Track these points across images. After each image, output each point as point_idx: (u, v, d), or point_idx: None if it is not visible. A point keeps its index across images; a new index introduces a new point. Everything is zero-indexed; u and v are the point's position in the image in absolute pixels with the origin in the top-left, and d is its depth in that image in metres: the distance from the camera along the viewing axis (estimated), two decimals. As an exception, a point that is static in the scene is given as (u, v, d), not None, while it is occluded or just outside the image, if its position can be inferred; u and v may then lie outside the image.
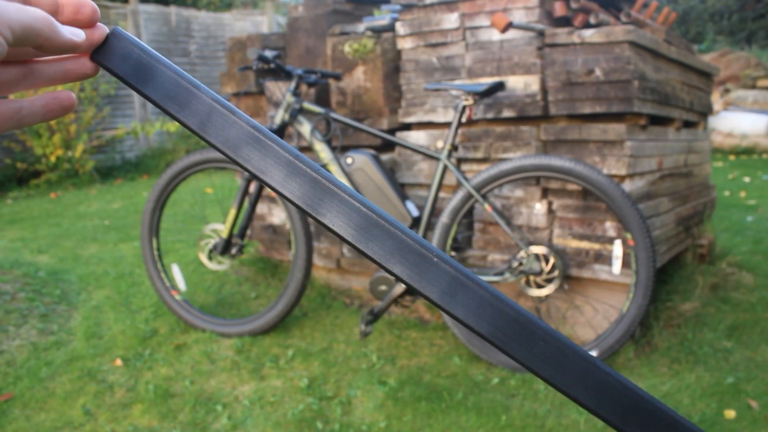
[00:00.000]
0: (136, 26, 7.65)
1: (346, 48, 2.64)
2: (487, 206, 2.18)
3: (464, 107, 2.18)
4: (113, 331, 2.50)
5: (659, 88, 2.34)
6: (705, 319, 2.45)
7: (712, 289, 2.70)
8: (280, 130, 2.38)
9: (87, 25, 0.36)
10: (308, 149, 2.76)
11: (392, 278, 2.26)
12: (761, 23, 12.11)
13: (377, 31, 2.65)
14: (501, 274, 2.18)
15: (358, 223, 0.34)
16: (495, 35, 2.36)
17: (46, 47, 0.33)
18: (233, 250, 2.47)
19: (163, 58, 0.36)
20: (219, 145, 0.35)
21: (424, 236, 2.27)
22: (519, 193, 2.34)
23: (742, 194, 5.02)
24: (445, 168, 2.21)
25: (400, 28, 2.56)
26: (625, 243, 2.15)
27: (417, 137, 2.55)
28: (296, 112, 2.36)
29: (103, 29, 0.36)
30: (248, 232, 2.97)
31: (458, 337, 2.25)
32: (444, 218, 2.24)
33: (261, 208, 3.01)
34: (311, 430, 1.85)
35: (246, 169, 0.35)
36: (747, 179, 5.71)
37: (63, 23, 0.35)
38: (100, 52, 0.36)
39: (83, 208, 5.12)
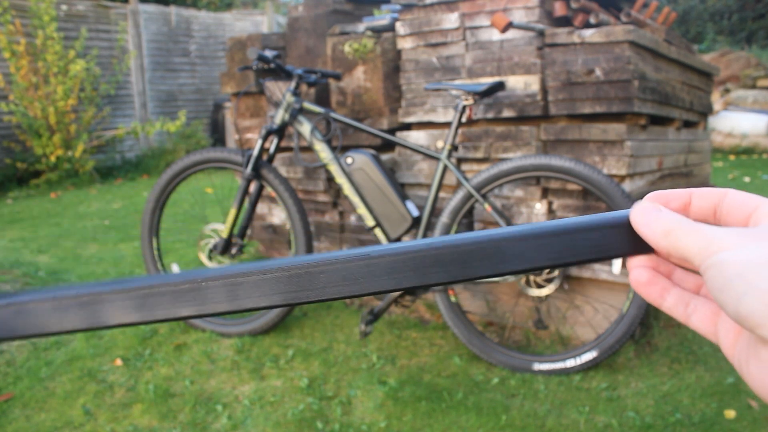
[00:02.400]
0: (136, 26, 7.65)
1: (346, 48, 2.64)
2: (487, 206, 2.18)
3: (464, 107, 2.18)
4: (113, 331, 2.50)
5: (659, 88, 2.34)
6: (705, 319, 2.45)
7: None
8: (280, 130, 2.38)
9: None
10: (308, 149, 2.76)
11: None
12: (761, 23, 12.11)
13: (377, 31, 2.65)
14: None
15: (228, 292, 0.35)
16: (495, 35, 2.36)
17: None
18: (233, 250, 2.47)
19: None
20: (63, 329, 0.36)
21: (424, 236, 2.27)
22: (519, 193, 2.34)
23: (742, 194, 5.02)
24: (445, 168, 2.21)
25: (400, 28, 2.56)
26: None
27: (417, 137, 2.55)
28: (296, 112, 2.36)
29: None
30: (248, 231, 2.97)
31: (458, 337, 2.25)
32: (444, 218, 2.24)
33: (261, 207, 3.01)
34: (311, 430, 1.85)
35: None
36: (747, 179, 5.71)
37: None
38: None
39: (83, 208, 5.12)
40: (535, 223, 0.35)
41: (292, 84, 2.35)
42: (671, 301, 0.37)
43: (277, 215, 2.97)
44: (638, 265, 0.37)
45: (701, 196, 0.35)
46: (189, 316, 0.35)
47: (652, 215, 0.34)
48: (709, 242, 0.31)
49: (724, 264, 0.29)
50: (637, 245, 0.35)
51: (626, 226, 0.35)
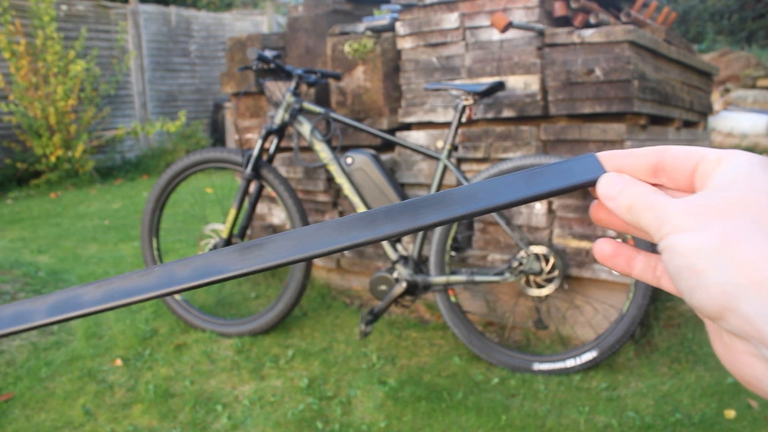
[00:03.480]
0: (136, 26, 7.65)
1: (346, 48, 2.64)
2: (487, 206, 2.17)
3: (464, 107, 2.18)
4: (113, 331, 2.50)
5: (659, 88, 2.34)
6: (705, 318, 2.45)
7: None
8: (280, 130, 2.38)
9: None
10: (308, 149, 2.76)
11: (392, 278, 2.26)
12: (761, 23, 12.11)
13: (377, 31, 2.65)
14: (501, 273, 2.18)
15: (234, 257, 0.35)
16: (495, 35, 2.36)
17: None
18: (233, 250, 2.46)
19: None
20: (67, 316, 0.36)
21: (424, 236, 2.27)
22: (519, 193, 2.34)
23: (742, 194, 5.02)
24: (445, 168, 2.21)
25: (400, 28, 2.56)
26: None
27: (417, 137, 2.55)
28: (296, 112, 2.36)
29: None
30: (248, 231, 2.97)
31: (458, 337, 2.25)
32: (444, 218, 2.24)
33: (261, 207, 3.01)
34: (311, 430, 1.85)
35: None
36: (747, 179, 5.71)
37: None
38: None
39: (83, 208, 5.12)
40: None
41: (292, 84, 2.35)
42: (639, 268, 0.36)
43: (277, 215, 2.97)
44: (601, 238, 0.37)
45: (674, 156, 0.33)
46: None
47: (616, 187, 0.33)
48: (661, 222, 0.30)
49: (674, 250, 0.29)
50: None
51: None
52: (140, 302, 0.36)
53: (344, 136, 2.65)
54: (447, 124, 2.49)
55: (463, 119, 2.19)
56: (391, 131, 2.63)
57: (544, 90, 2.28)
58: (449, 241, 2.25)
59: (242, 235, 2.46)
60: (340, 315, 2.64)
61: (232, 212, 2.42)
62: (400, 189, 2.34)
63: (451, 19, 2.42)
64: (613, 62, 2.12)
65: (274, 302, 2.43)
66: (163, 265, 0.35)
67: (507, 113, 2.34)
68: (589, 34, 2.15)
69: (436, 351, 2.32)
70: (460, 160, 2.48)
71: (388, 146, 2.66)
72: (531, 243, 2.21)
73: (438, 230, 2.24)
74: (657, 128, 2.46)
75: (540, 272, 2.16)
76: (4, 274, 2.98)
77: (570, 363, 2.11)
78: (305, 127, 2.35)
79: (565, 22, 2.45)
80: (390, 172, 2.48)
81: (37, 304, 0.35)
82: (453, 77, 2.46)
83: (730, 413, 1.86)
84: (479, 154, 2.40)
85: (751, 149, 7.25)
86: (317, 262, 2.86)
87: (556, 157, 2.09)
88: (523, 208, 2.35)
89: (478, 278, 2.18)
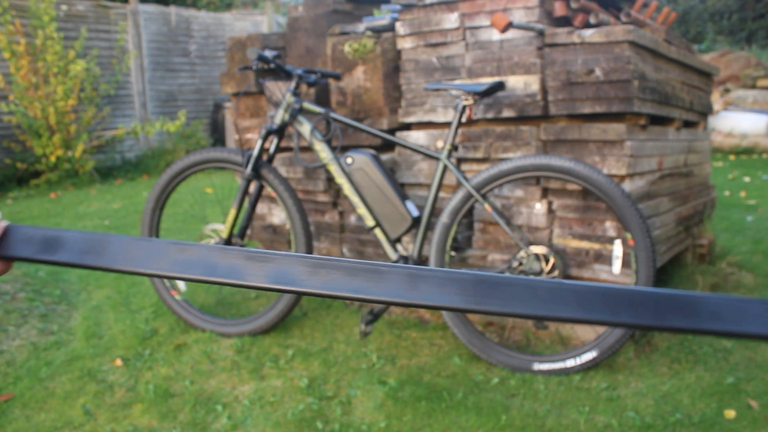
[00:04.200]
0: (136, 26, 7.65)
1: (346, 48, 2.64)
2: (487, 206, 2.18)
3: (464, 107, 2.18)
4: (113, 331, 2.50)
5: (659, 88, 2.34)
6: (705, 319, 2.45)
7: (712, 289, 2.70)
8: (280, 130, 2.38)
9: None
10: (308, 149, 2.76)
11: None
12: (761, 23, 12.10)
13: (377, 31, 2.65)
14: (501, 273, 2.18)
15: (305, 272, 0.36)
16: (495, 35, 2.36)
17: None
18: (233, 250, 2.47)
19: (61, 230, 0.40)
20: (147, 271, 0.38)
21: (424, 236, 2.27)
22: (519, 193, 2.34)
23: (742, 194, 5.02)
24: (445, 168, 2.21)
25: (400, 28, 2.56)
26: (625, 243, 2.15)
27: (417, 137, 2.55)
28: (296, 112, 2.36)
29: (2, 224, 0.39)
30: (248, 231, 2.97)
31: (458, 337, 2.25)
32: (444, 218, 2.24)
33: (261, 207, 3.01)
34: (311, 430, 1.85)
35: (159, 276, 0.38)
36: (747, 179, 5.71)
37: None
38: (2, 247, 0.39)
39: (83, 208, 5.12)
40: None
41: (292, 84, 2.35)
42: None
43: (277, 215, 2.97)
44: None
45: None
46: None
47: None
48: None
49: None
50: None
51: None
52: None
53: (344, 136, 2.65)
54: (447, 124, 2.49)
55: (463, 119, 2.19)
56: (391, 131, 2.63)
57: (544, 90, 2.28)
58: (449, 241, 2.25)
59: (242, 235, 2.46)
60: (340, 315, 2.64)
61: (232, 212, 2.42)
62: (400, 189, 2.34)
63: (451, 19, 2.42)
64: (613, 62, 2.12)
65: (274, 302, 2.43)
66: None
67: (507, 113, 2.34)
68: (589, 34, 2.15)
69: (436, 351, 2.32)
70: (460, 160, 2.48)
71: (388, 146, 2.66)
72: (531, 243, 2.21)
73: (437, 230, 2.25)
74: (657, 128, 2.46)
75: (540, 272, 2.16)
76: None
77: (570, 363, 2.11)
78: (305, 127, 2.35)
79: (565, 22, 2.45)
80: (390, 172, 2.48)
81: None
82: (453, 77, 2.46)
83: (730, 413, 1.87)
84: (479, 154, 2.40)
85: (751, 149, 7.25)
86: (317, 262, 2.86)
87: (556, 157, 2.09)
88: (523, 208, 2.35)
89: (478, 278, 2.18)
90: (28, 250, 0.39)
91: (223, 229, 2.45)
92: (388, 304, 0.35)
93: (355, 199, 2.29)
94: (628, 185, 2.19)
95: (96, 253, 0.38)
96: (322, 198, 2.79)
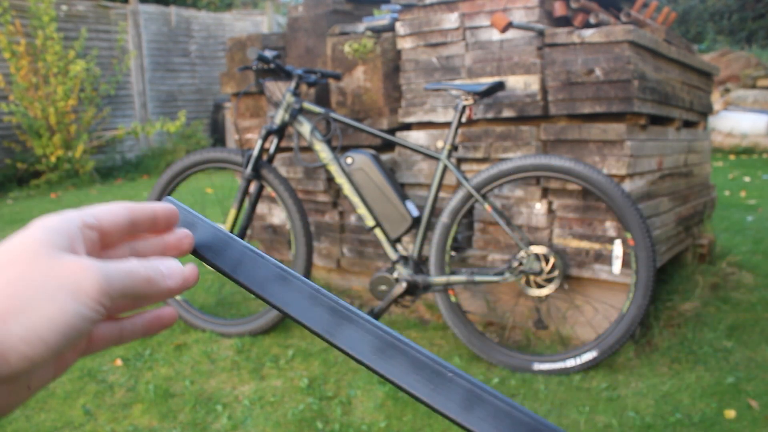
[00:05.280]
0: (136, 26, 7.65)
1: (346, 48, 2.64)
2: (487, 206, 2.18)
3: (464, 107, 2.18)
4: (113, 331, 2.50)
5: (659, 88, 2.34)
6: (705, 318, 2.45)
7: (712, 289, 2.70)
8: (280, 130, 2.38)
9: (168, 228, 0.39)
10: (308, 149, 2.76)
11: (392, 278, 2.26)
12: (761, 23, 12.10)
13: (377, 31, 2.65)
14: (501, 273, 2.18)
15: (375, 346, 0.36)
16: (495, 35, 2.36)
17: (146, 303, 0.36)
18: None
19: (200, 215, 0.41)
20: (249, 285, 0.38)
21: (424, 236, 2.27)
22: (519, 193, 2.34)
23: (742, 194, 5.02)
24: (445, 168, 2.21)
25: (400, 28, 2.56)
26: (625, 243, 2.15)
27: (417, 137, 2.55)
28: (296, 112, 2.36)
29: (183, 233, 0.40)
30: (248, 232, 2.97)
31: (458, 337, 2.25)
32: (444, 218, 2.24)
33: (261, 208, 3.01)
34: (311, 430, 1.85)
35: (271, 304, 0.38)
36: (747, 179, 5.71)
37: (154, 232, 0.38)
38: None
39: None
40: None
41: (292, 84, 2.35)
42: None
43: (277, 215, 2.97)
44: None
45: None
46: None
47: None
48: None
49: None
50: None
51: None
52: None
53: (344, 136, 2.65)
54: (447, 124, 2.49)
55: (463, 119, 2.19)
56: (391, 131, 2.63)
57: (544, 90, 2.28)
58: (449, 241, 2.25)
59: (242, 236, 2.46)
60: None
61: (232, 212, 2.42)
62: (400, 189, 2.34)
63: (451, 19, 2.42)
64: (613, 62, 2.12)
65: (274, 302, 2.42)
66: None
67: (507, 113, 2.34)
68: (589, 34, 2.15)
69: (437, 351, 2.32)
70: (460, 160, 2.48)
71: (388, 146, 2.66)
72: (531, 243, 2.21)
73: (437, 230, 2.24)
74: (657, 128, 2.46)
75: (540, 272, 2.16)
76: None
77: (570, 363, 2.11)
78: (305, 127, 2.35)
79: (565, 22, 2.45)
80: (390, 172, 2.48)
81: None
82: (453, 77, 2.46)
83: (730, 413, 1.87)
84: (479, 154, 2.40)
85: (751, 149, 7.25)
86: (317, 261, 2.86)
87: (556, 157, 2.09)
88: (523, 208, 2.35)
89: (478, 278, 2.18)
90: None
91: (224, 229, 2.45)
92: (438, 413, 0.34)
93: (355, 199, 2.29)
94: (628, 185, 2.19)
95: (214, 251, 0.39)
96: (322, 198, 2.79)
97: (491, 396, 0.33)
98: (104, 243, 0.36)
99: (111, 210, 0.35)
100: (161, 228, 0.39)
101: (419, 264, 2.28)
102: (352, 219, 2.73)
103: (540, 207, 2.30)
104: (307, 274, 2.40)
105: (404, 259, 2.27)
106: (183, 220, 0.40)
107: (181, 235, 0.39)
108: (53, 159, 6.16)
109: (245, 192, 2.40)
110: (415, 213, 2.29)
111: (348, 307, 0.36)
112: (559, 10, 2.38)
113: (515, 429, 0.33)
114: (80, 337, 0.30)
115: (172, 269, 0.35)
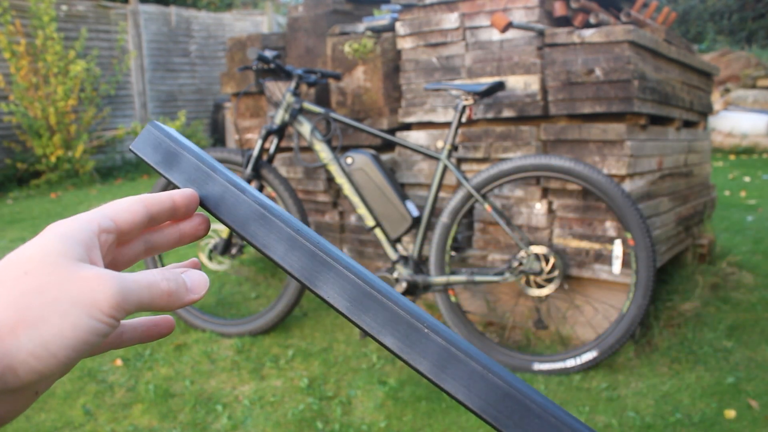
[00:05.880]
0: (136, 26, 7.65)
1: (346, 48, 2.64)
2: (487, 206, 2.18)
3: (464, 107, 2.18)
4: (113, 331, 2.50)
5: (659, 88, 2.34)
6: (705, 318, 2.45)
7: (712, 289, 2.70)
8: (280, 130, 2.38)
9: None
10: (308, 149, 2.76)
11: (392, 278, 2.26)
12: (761, 23, 12.10)
13: (377, 31, 2.65)
14: (501, 273, 2.18)
15: (352, 295, 0.34)
16: (495, 35, 2.36)
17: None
18: (233, 250, 2.47)
19: (189, 143, 0.39)
20: (230, 223, 0.37)
21: (424, 236, 2.27)
22: (519, 192, 2.34)
23: (742, 194, 5.02)
24: (445, 168, 2.21)
25: (400, 28, 2.56)
26: (625, 243, 2.15)
27: (417, 137, 2.55)
28: (296, 112, 2.36)
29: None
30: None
31: (458, 337, 2.25)
32: (444, 218, 2.24)
33: (261, 208, 3.01)
34: (311, 430, 1.85)
35: (252, 244, 0.36)
36: (747, 179, 5.71)
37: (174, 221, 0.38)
38: (137, 143, 0.39)
39: (83, 209, 5.12)
40: None
41: (292, 84, 2.35)
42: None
43: (277, 215, 2.97)
44: None
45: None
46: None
47: None
48: None
49: None
50: None
51: None
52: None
53: (344, 136, 2.65)
54: (447, 124, 2.49)
55: (463, 119, 2.19)
56: (391, 131, 2.63)
57: (544, 90, 2.28)
58: (449, 241, 2.25)
59: (242, 235, 2.46)
60: (339, 315, 2.64)
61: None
62: (401, 189, 2.34)
63: (451, 19, 2.42)
64: (613, 62, 2.12)
65: (274, 302, 2.43)
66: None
67: (507, 113, 2.34)
68: (589, 34, 2.15)
69: (436, 351, 2.32)
70: (460, 160, 2.48)
71: (388, 146, 2.66)
72: (531, 243, 2.21)
73: (437, 230, 2.24)
74: (657, 128, 2.46)
75: (540, 272, 2.16)
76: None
77: (570, 363, 2.11)
78: (305, 127, 2.35)
79: (565, 22, 2.45)
80: (390, 172, 2.48)
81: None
82: (453, 77, 2.46)
83: (730, 413, 1.86)
84: (479, 154, 2.40)
85: (751, 149, 7.25)
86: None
87: (556, 157, 2.09)
88: (523, 208, 2.35)
89: (478, 278, 2.18)
90: (152, 156, 0.38)
91: (224, 230, 2.45)
92: (412, 368, 0.33)
93: (355, 199, 2.29)
94: (628, 185, 2.19)
95: (197, 184, 0.38)
96: (322, 198, 2.79)
97: (467, 356, 0.32)
98: (120, 241, 0.35)
99: (128, 209, 0.34)
100: (181, 216, 0.38)
101: (419, 264, 2.28)
102: (352, 219, 2.73)
103: (540, 207, 2.30)
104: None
105: (404, 259, 2.27)
106: (165, 150, 0.38)
107: (197, 222, 0.39)
108: (53, 159, 6.16)
109: (245, 192, 2.39)
110: (415, 213, 2.29)
111: (330, 250, 0.35)
112: (559, 10, 2.38)
113: (487, 392, 0.31)
114: (91, 350, 0.30)
115: (196, 282, 0.35)
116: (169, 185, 2.53)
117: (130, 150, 0.39)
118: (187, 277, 0.34)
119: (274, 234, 0.36)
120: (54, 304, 0.28)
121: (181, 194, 0.37)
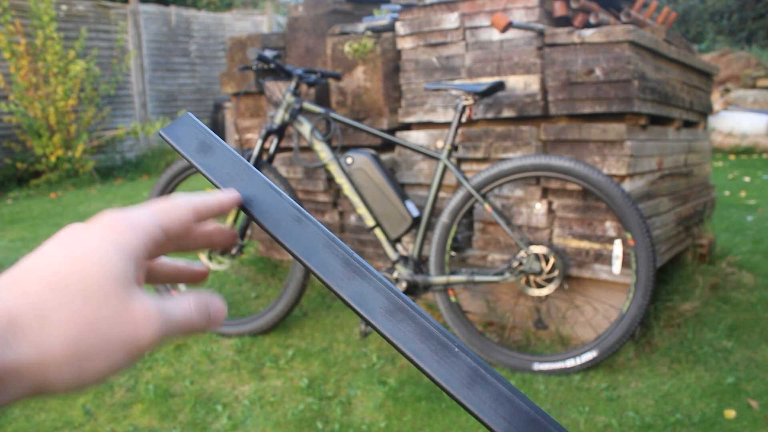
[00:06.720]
0: (136, 26, 7.65)
1: (346, 48, 2.64)
2: (487, 206, 2.18)
3: (464, 107, 2.18)
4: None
5: (659, 88, 2.34)
6: (705, 318, 2.45)
7: (712, 289, 2.70)
8: (280, 130, 2.38)
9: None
10: (308, 149, 2.76)
11: (393, 278, 2.26)
12: (761, 23, 12.10)
13: (377, 31, 2.65)
14: (501, 273, 2.18)
15: (384, 306, 0.35)
16: (495, 35, 2.36)
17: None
18: (233, 250, 2.47)
19: (219, 139, 0.39)
20: (262, 221, 0.37)
21: (424, 236, 2.27)
22: (519, 192, 2.34)
23: (742, 194, 5.02)
24: (445, 168, 2.21)
25: (400, 28, 2.56)
26: (625, 243, 2.15)
27: (417, 137, 2.55)
28: (296, 112, 2.36)
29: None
30: (248, 231, 2.97)
31: (458, 336, 2.25)
32: (444, 218, 2.24)
33: (261, 208, 3.01)
34: (311, 430, 1.85)
35: (284, 246, 0.36)
36: (747, 179, 5.71)
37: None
38: (168, 130, 0.40)
39: (83, 208, 5.12)
40: None
41: (292, 84, 2.35)
42: None
43: (277, 215, 2.97)
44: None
45: None
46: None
47: None
48: None
49: None
50: None
51: None
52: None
53: (344, 136, 2.65)
54: (447, 124, 2.49)
55: (463, 119, 2.19)
56: (391, 131, 2.63)
57: (544, 90, 2.28)
58: (449, 241, 2.25)
59: (242, 235, 2.46)
60: (340, 315, 2.64)
61: (233, 212, 2.42)
62: (401, 189, 2.34)
63: (451, 19, 2.42)
64: (613, 62, 2.12)
65: (274, 302, 2.43)
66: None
67: (507, 113, 2.34)
68: (589, 34, 2.15)
69: (436, 351, 2.32)
70: (460, 160, 2.48)
71: (388, 146, 2.66)
72: (531, 243, 2.21)
73: (437, 230, 2.25)
74: (657, 128, 2.46)
75: (540, 272, 2.16)
76: (4, 274, 2.98)
77: (570, 363, 2.11)
78: (305, 127, 2.35)
79: (565, 22, 2.45)
80: (390, 172, 2.48)
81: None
82: (453, 77, 2.46)
83: (730, 413, 1.87)
84: (479, 154, 2.40)
85: (751, 149, 7.25)
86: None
87: (556, 157, 2.09)
88: (523, 208, 2.35)
89: (478, 278, 2.18)
90: (185, 145, 0.39)
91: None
92: (439, 386, 0.33)
93: (355, 199, 2.29)
94: (628, 185, 2.19)
95: (234, 181, 0.38)
96: (322, 198, 2.79)
97: (495, 379, 0.33)
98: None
99: (180, 218, 0.35)
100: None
101: (419, 264, 2.28)
102: (352, 219, 2.73)
103: (540, 207, 2.30)
104: (308, 274, 2.40)
105: (404, 259, 2.27)
106: (200, 141, 0.39)
107: (229, 236, 0.39)
108: (53, 159, 6.16)
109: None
110: (415, 213, 2.29)
111: (363, 262, 0.35)
112: (559, 10, 2.38)
113: (514, 415, 0.32)
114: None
115: (219, 315, 0.35)
116: (171, 182, 2.53)
117: (159, 135, 0.40)
118: (212, 309, 0.35)
119: (308, 237, 0.36)
120: (104, 346, 0.29)
121: (229, 200, 0.37)
